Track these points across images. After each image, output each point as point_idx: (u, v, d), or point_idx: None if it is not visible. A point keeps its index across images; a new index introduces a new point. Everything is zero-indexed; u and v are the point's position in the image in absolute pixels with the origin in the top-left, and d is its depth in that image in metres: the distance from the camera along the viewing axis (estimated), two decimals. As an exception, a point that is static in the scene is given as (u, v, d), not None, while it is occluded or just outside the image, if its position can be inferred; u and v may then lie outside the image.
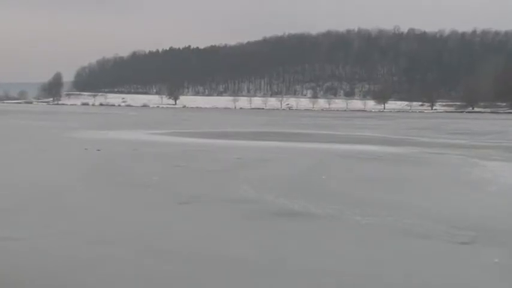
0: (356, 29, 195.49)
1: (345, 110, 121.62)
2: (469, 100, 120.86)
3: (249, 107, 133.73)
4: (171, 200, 8.01)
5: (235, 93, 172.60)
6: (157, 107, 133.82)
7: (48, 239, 5.74)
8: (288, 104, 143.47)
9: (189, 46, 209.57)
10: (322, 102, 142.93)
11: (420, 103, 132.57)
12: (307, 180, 10.43)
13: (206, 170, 11.60)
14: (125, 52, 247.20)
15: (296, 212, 7.25)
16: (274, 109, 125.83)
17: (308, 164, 13.02)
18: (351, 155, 15.68)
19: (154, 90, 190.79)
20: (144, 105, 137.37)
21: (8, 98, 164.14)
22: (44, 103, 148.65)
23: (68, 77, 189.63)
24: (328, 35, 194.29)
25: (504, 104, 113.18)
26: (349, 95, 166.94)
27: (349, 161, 13.96)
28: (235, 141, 21.16)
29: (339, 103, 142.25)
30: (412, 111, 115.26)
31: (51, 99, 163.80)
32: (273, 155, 15.16)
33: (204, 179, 10.33)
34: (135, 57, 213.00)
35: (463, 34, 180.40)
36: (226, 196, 8.37)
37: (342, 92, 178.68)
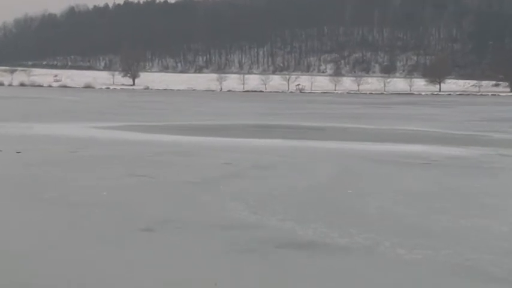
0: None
1: (382, 94, 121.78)
2: None
3: (241, 89, 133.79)
4: (128, 226, 8.01)
5: (222, 69, 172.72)
6: (107, 88, 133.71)
7: None
8: (298, 85, 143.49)
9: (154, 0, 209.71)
10: (348, 82, 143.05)
11: (494, 82, 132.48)
12: (327, 195, 10.45)
13: (179, 181, 11.59)
14: (57, 8, 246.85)
15: (311, 243, 7.26)
16: (278, 92, 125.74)
17: (327, 173, 13.03)
18: (390, 159, 15.71)
19: (103, 64, 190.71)
20: (88, 86, 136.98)
21: None
22: None
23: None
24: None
25: None
26: (388, 71, 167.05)
27: (387, 168, 13.97)
28: (221, 138, 21.16)
29: (372, 83, 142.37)
30: (481, 95, 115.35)
31: None
32: (277, 159, 15.15)
33: (176, 194, 10.33)
34: (74, 15, 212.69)
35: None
36: (208, 220, 8.37)
37: (377, 67, 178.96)
